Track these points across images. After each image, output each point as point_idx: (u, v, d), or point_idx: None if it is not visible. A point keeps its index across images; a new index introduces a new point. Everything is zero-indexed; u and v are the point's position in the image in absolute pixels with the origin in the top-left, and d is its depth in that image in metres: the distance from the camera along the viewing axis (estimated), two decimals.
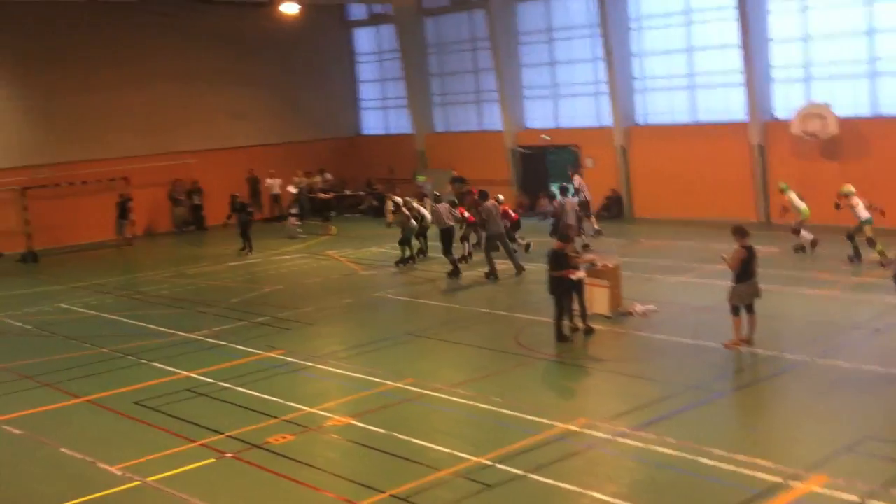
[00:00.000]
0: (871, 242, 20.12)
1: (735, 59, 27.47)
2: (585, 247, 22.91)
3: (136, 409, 13.37)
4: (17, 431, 12.73)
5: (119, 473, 11.01)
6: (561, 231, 16.78)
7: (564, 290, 15.79)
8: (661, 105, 30.26)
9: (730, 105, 28.23)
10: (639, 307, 17.36)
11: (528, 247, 23.64)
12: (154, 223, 32.92)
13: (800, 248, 21.98)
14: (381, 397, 13.38)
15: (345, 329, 18.08)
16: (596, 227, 26.22)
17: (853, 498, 9.35)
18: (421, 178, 34.60)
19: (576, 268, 15.99)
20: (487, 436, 11.81)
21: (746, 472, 10.11)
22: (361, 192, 36.32)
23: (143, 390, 14.22)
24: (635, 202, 30.78)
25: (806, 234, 21.83)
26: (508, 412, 12.42)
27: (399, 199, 25.26)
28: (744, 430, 11.95)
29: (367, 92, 39.52)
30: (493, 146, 33.78)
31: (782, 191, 22.34)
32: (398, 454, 11.18)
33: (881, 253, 19.73)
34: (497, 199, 22.38)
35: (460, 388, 13.53)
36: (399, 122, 37.99)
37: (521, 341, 15.97)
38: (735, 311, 14.79)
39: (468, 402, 12.97)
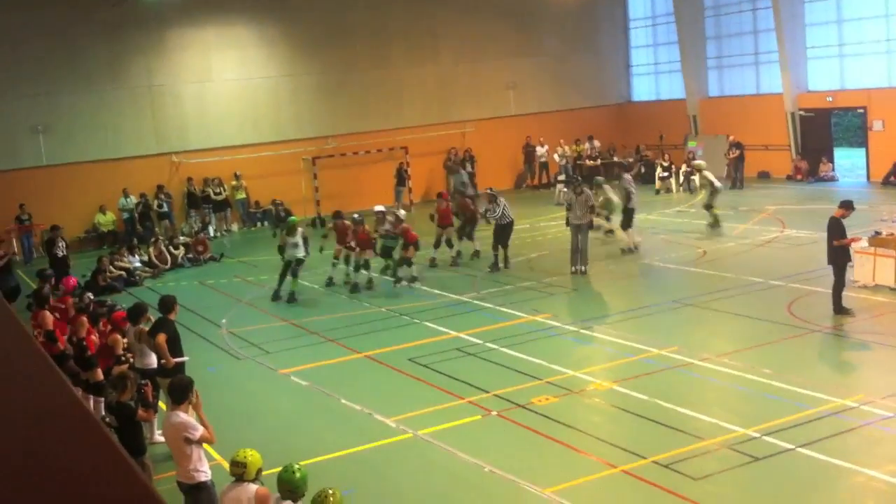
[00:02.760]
0: None
1: None
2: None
3: (409, 366, 14.12)
4: (304, 382, 13.84)
5: (393, 425, 11.71)
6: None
7: (844, 260, 14.91)
8: None
9: None
10: None
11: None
12: (430, 190, 34.25)
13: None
14: (645, 364, 13.30)
15: (609, 295, 18.06)
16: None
17: None
18: (692, 144, 33.70)
19: None
20: (755, 408, 11.47)
21: None
22: (630, 159, 35.86)
23: (416, 348, 14.97)
24: None
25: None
26: (779, 385, 11.98)
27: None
28: None
29: (639, 58, 38.86)
30: (772, 110, 32.17)
31: (700, 169, 24.50)
32: (661, 421, 11.11)
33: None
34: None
35: (727, 359, 13.19)
36: (671, 88, 37.08)
37: (794, 312, 15.27)
38: None
39: (736, 372, 12.63)
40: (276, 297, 19.11)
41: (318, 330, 16.67)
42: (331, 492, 6.93)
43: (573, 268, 19.55)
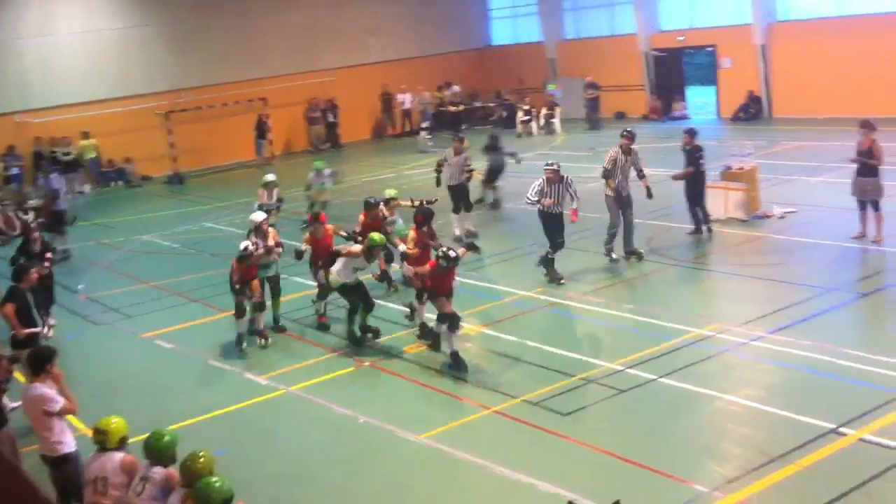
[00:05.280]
0: None
1: None
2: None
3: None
4: (169, 345, 13.47)
5: (265, 383, 11.57)
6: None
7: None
8: None
9: None
10: (777, 210, 16.85)
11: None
12: (291, 142, 33.71)
13: None
14: (513, 306, 13.50)
15: (480, 239, 18.19)
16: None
17: None
18: (551, 87, 34.16)
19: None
20: (619, 342, 11.84)
21: (886, 372, 9.82)
22: (491, 104, 36.13)
23: (286, 303, 14.63)
24: (775, 102, 29.56)
25: None
26: (640, 318, 12.38)
27: None
28: (884, 330, 11.54)
29: (497, 1, 38.90)
30: (626, 50, 32.88)
31: None
32: (530, 361, 11.34)
33: None
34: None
35: (591, 296, 13.52)
36: (529, 31, 37.33)
37: (653, 247, 15.75)
38: (859, 205, 14.76)
39: (600, 309, 12.98)
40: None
41: (183, 291, 16.24)
42: (200, 454, 6.78)
43: (623, 252, 15.33)
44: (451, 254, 11.45)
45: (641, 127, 30.72)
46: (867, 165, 14.44)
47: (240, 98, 31.77)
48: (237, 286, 12.83)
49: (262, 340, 13.00)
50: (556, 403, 10.04)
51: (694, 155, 16.04)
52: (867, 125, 14.62)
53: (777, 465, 8.27)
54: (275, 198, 18.34)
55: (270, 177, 18.53)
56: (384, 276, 13.14)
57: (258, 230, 13.53)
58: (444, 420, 9.98)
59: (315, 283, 13.87)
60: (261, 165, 31.03)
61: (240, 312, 12.91)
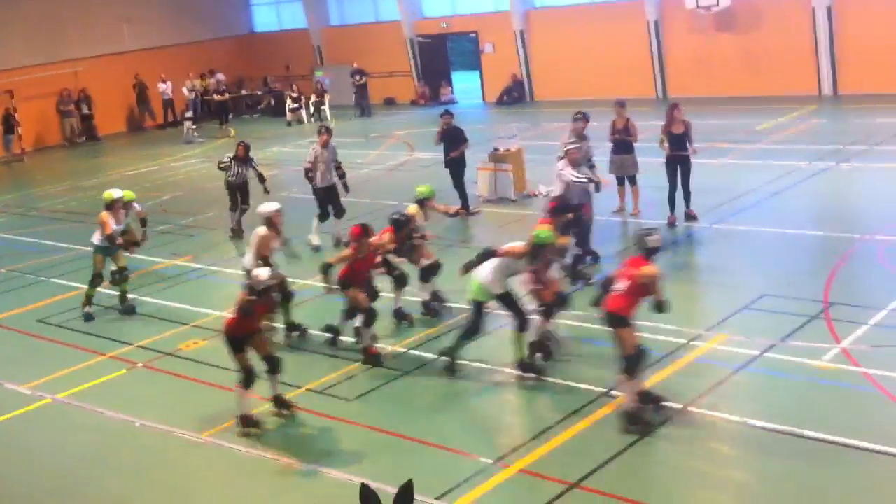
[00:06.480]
0: None
1: None
2: None
3: (40, 327, 13.06)
4: None
5: (28, 392, 10.83)
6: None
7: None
8: None
9: None
10: (542, 189, 17.50)
11: None
12: (43, 136, 31.64)
13: None
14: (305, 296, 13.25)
15: (247, 232, 17.79)
16: None
17: (753, 352, 9.82)
18: (319, 74, 33.95)
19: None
20: (399, 325, 11.90)
21: (649, 337, 10.39)
22: (258, 92, 35.46)
23: (46, 307, 13.87)
24: (536, 86, 30.80)
25: None
26: (418, 299, 12.50)
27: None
28: None
29: None
30: (391, 37, 33.17)
31: None
32: (317, 350, 11.23)
33: None
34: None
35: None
36: (293, 17, 36.88)
37: (432, 230, 15.94)
38: (618, 181, 15.56)
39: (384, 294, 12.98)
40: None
41: None
42: None
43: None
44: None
45: (410, 112, 31.34)
46: (624, 143, 15.26)
47: None
48: (238, 337, 9.17)
49: (287, 410, 9.56)
50: (341, 390, 9.99)
51: (460, 134, 16.56)
52: (622, 104, 15.47)
53: (556, 431, 8.59)
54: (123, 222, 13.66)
55: (117, 192, 13.66)
56: (561, 301, 10.24)
57: (270, 224, 11.43)
58: (226, 417, 9.65)
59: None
60: (9, 162, 29.04)
61: (250, 379, 9.27)
